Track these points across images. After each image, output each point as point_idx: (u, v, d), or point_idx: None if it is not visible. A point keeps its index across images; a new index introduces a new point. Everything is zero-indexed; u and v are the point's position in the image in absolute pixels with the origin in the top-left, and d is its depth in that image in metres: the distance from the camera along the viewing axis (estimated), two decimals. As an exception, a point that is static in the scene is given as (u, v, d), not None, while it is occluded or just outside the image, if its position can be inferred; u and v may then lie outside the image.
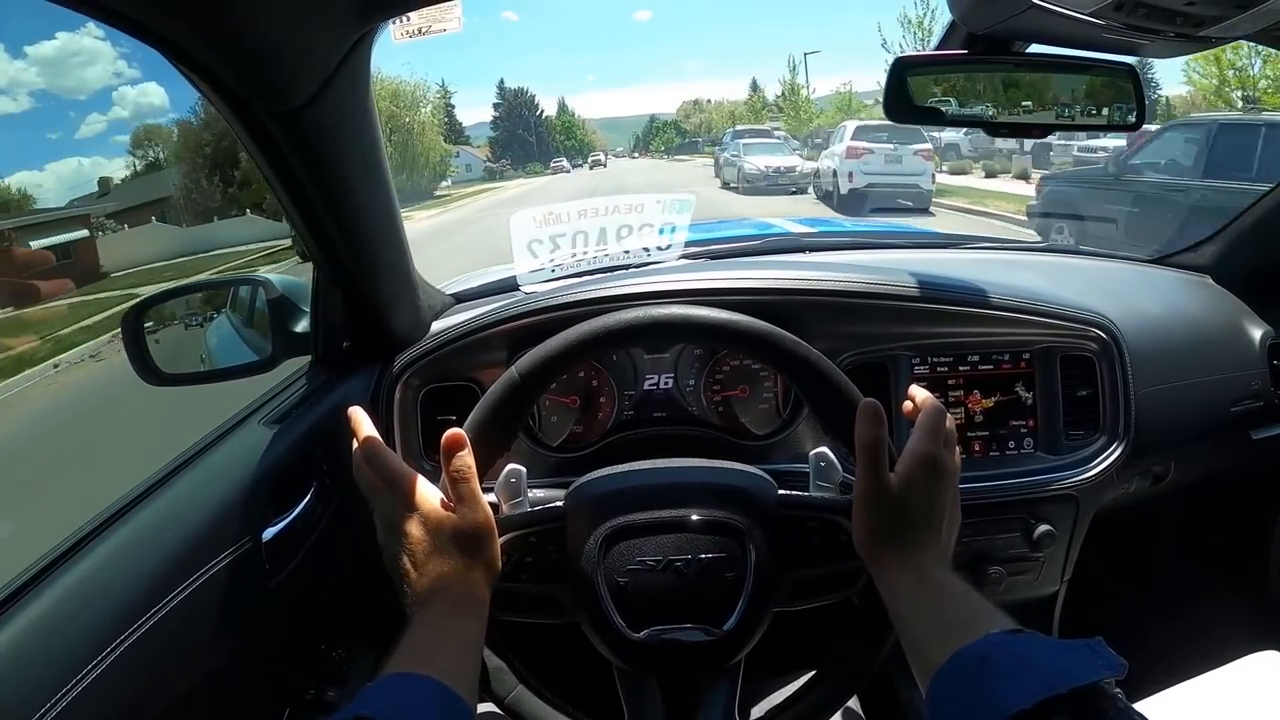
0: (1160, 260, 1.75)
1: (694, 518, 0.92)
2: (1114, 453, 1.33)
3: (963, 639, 0.68)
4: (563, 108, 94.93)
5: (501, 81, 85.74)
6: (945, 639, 0.70)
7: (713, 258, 1.57)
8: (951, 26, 1.20)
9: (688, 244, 1.49)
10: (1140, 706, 1.16)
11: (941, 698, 0.68)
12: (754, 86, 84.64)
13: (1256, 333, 1.54)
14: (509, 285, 1.45)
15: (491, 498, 0.94)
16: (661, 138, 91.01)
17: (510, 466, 0.99)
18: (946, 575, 0.81)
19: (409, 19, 0.99)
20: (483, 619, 0.81)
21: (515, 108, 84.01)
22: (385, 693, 0.68)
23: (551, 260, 1.41)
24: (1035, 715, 0.58)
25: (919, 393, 0.99)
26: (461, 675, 0.73)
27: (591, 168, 58.14)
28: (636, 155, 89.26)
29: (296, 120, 0.88)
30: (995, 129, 1.20)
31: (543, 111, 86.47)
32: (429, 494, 0.87)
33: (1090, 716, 0.59)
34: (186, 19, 0.73)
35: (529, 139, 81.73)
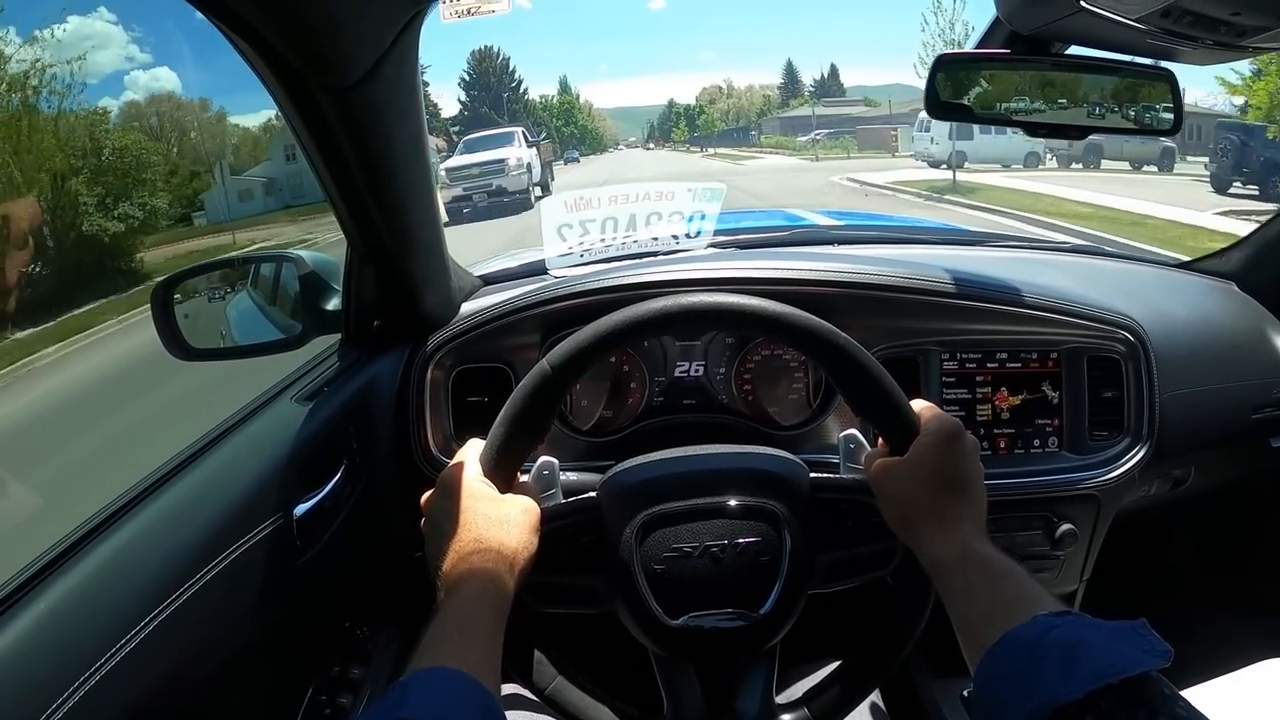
0: (1186, 265, 1.76)
1: (730, 504, 0.92)
2: (1137, 454, 1.34)
3: (1011, 620, 0.69)
4: (564, 87, 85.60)
5: (475, 52, 69.37)
6: (994, 619, 0.71)
7: (741, 247, 1.57)
8: (994, 25, 1.20)
9: (716, 233, 1.49)
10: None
11: (991, 680, 0.69)
12: (789, 70, 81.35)
13: None
14: (538, 269, 1.46)
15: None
16: (682, 126, 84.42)
17: (543, 459, 0.99)
18: (989, 549, 0.81)
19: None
20: (505, 611, 0.80)
21: (481, 76, 68.60)
22: (425, 691, 0.67)
23: (580, 245, 1.42)
24: (1085, 704, 0.59)
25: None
26: (490, 669, 0.73)
27: (566, 163, 49.41)
28: (651, 146, 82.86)
29: (348, 97, 0.88)
30: (1034, 129, 1.20)
31: (521, 83, 71.79)
32: (470, 486, 0.88)
33: (1140, 704, 0.59)
34: None
35: (499, 119, 59.44)
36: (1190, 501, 1.60)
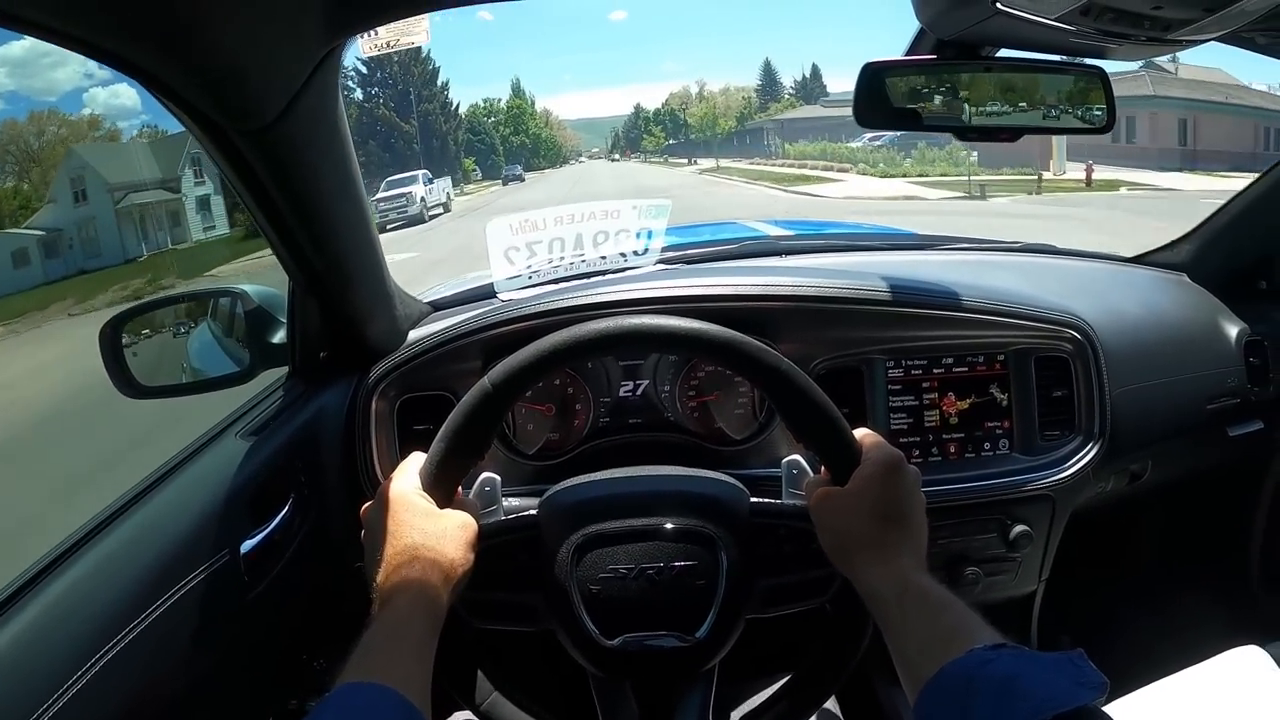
0: (1137, 259, 1.76)
1: (666, 526, 0.92)
2: (1090, 452, 1.34)
3: (947, 654, 0.69)
4: (517, 90, 76.18)
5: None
6: (930, 652, 0.71)
7: (689, 263, 1.57)
8: (920, 33, 1.20)
9: (664, 249, 1.49)
10: (1122, 702, 1.18)
11: (929, 715, 0.69)
12: (767, 71, 74.94)
13: (1232, 330, 1.55)
14: (487, 293, 1.45)
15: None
16: (656, 131, 78.10)
17: (485, 475, 1.00)
18: (927, 580, 0.81)
19: (377, 33, 1.00)
20: (437, 623, 0.81)
21: (380, 67, 52.01)
22: (342, 705, 0.68)
23: (529, 267, 1.42)
24: None
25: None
26: (416, 681, 0.73)
27: (506, 183, 45.82)
28: (617, 157, 77.65)
29: (265, 137, 0.89)
30: (965, 133, 1.20)
31: (438, 75, 55.84)
32: (408, 499, 0.88)
33: None
34: (154, 46, 0.73)
35: (402, 123, 50.42)
36: (1151, 495, 1.60)
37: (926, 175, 27.30)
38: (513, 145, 70.42)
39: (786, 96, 71.23)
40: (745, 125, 65.41)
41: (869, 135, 31.15)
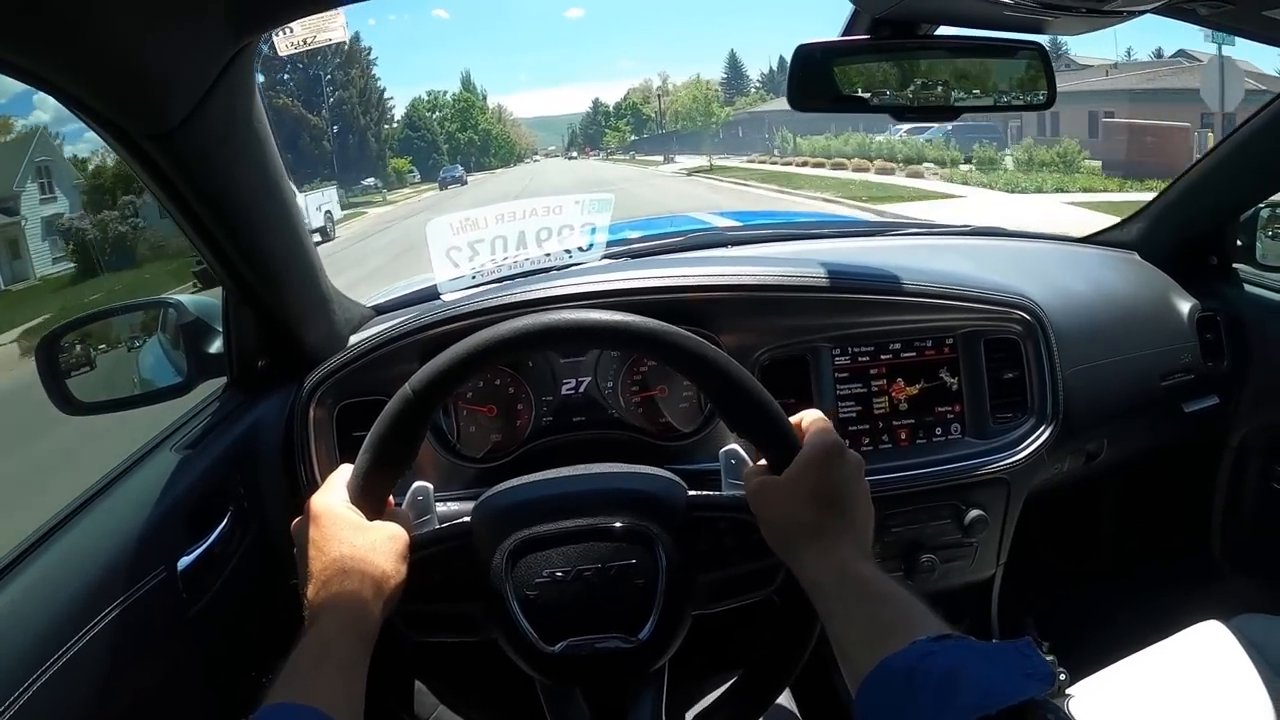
0: (1087, 239, 1.76)
1: (601, 526, 0.90)
2: (1043, 434, 1.34)
3: (887, 646, 0.66)
4: (467, 84, 70.37)
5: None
6: (872, 644, 0.68)
7: (634, 256, 1.56)
8: (855, 14, 1.19)
9: (610, 243, 1.48)
10: (1087, 682, 1.17)
11: (869, 710, 0.66)
12: (732, 63, 71.33)
13: (1185, 306, 1.56)
14: (430, 294, 1.44)
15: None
16: (621, 126, 72.43)
17: (417, 484, 0.98)
18: (869, 570, 0.78)
19: (292, 30, 0.98)
20: (369, 639, 0.79)
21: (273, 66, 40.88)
22: None
23: (472, 267, 1.39)
24: None
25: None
26: (342, 700, 0.71)
27: (444, 188, 39.82)
28: (575, 155, 72.36)
29: (173, 141, 0.86)
30: (901, 114, 1.19)
31: (369, 66, 49.40)
32: (334, 512, 0.86)
33: None
34: (39, 48, 0.71)
35: (309, 115, 42.98)
36: (1109, 474, 1.60)
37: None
38: (460, 143, 64.72)
39: (754, 90, 68.66)
40: (730, 117, 60.05)
41: (904, 127, 20.92)
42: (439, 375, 0.90)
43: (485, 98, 72.79)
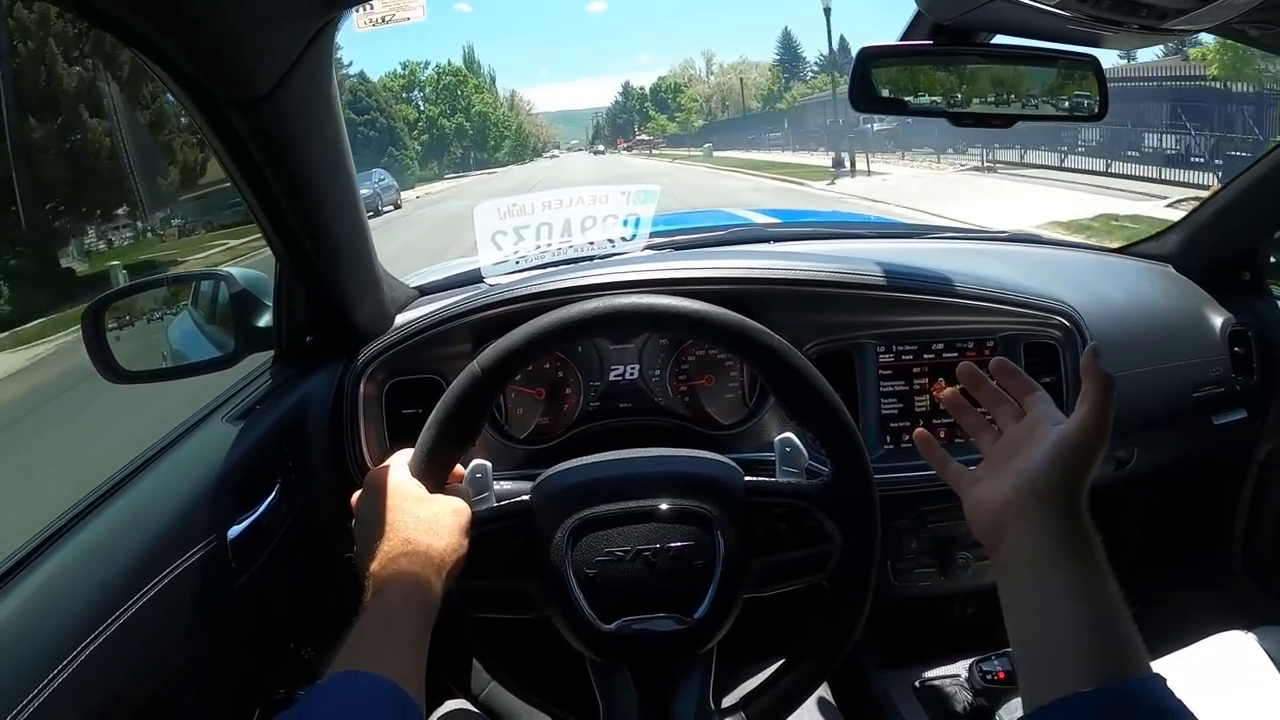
0: (1122, 250, 1.78)
1: (661, 507, 0.92)
2: None
3: (1109, 671, 0.62)
4: (469, 59, 58.09)
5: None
6: (1100, 664, 0.62)
7: (677, 248, 1.57)
8: (917, 17, 1.20)
9: (652, 234, 1.49)
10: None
11: None
12: (786, 43, 62.29)
13: (1217, 320, 1.57)
14: (474, 277, 1.45)
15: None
16: (660, 118, 60.97)
17: (475, 462, 0.99)
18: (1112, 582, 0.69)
19: (372, 7, 0.99)
20: (431, 613, 0.80)
21: None
22: (334, 695, 0.67)
23: (516, 252, 1.41)
24: None
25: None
26: (410, 672, 0.72)
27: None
28: (601, 149, 62.80)
29: (256, 110, 0.87)
30: (959, 119, 1.20)
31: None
32: (400, 485, 0.87)
33: None
34: (149, 8, 0.72)
35: None
36: (1136, 482, 1.61)
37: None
38: (443, 130, 51.58)
39: (812, 75, 59.56)
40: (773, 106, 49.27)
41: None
42: (508, 354, 0.91)
43: (494, 81, 62.23)
